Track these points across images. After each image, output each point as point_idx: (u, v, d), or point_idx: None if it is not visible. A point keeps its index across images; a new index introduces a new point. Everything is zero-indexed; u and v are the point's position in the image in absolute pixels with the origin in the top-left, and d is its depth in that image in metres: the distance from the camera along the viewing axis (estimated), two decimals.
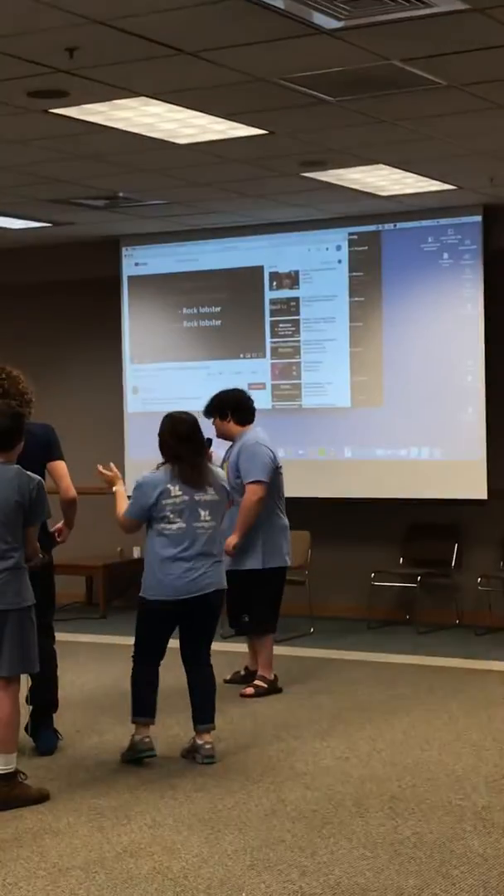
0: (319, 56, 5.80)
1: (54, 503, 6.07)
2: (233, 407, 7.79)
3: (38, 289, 11.78)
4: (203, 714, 6.38)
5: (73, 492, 6.54)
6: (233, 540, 7.58)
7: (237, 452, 7.71)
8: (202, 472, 6.27)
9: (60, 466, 6.50)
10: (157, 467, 6.29)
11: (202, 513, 6.24)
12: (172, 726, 6.91)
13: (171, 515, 6.18)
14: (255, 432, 7.83)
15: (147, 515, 6.23)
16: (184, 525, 6.20)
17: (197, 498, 6.23)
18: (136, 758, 6.29)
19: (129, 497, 6.44)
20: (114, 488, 6.54)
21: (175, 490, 6.18)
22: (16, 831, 5.33)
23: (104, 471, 6.60)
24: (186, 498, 6.19)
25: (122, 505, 6.42)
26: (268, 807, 5.61)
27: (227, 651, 8.77)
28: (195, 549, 6.22)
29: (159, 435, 6.30)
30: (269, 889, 4.65)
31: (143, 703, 6.36)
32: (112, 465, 6.70)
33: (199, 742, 6.33)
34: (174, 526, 6.19)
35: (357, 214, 10.12)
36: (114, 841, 5.20)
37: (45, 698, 6.51)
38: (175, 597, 6.21)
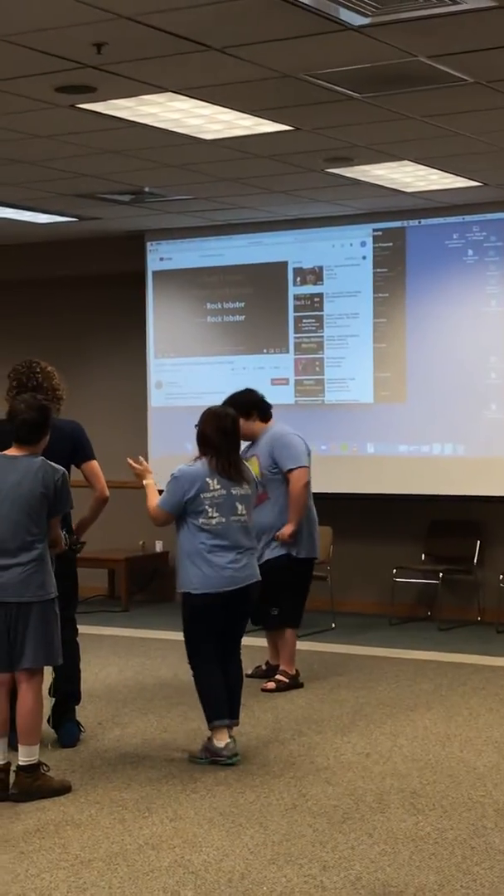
0: (346, 52, 5.80)
1: (77, 498, 6.09)
2: (255, 405, 7.83)
3: (63, 283, 11.82)
4: (232, 710, 6.33)
5: (107, 492, 6.59)
6: (289, 528, 7.68)
7: (269, 446, 7.75)
8: (239, 467, 6.31)
9: (94, 466, 6.56)
10: (195, 460, 6.27)
11: (239, 506, 6.26)
12: (194, 719, 6.93)
13: (210, 510, 6.18)
14: (281, 425, 7.90)
15: (182, 509, 6.22)
16: (223, 519, 6.20)
17: (234, 492, 6.24)
18: (220, 763, 6.16)
19: (160, 491, 6.45)
20: (144, 481, 6.53)
21: (213, 484, 6.19)
22: (38, 822, 5.37)
23: (134, 464, 6.60)
24: (224, 492, 6.21)
25: (154, 498, 6.39)
26: (289, 801, 5.63)
27: (249, 645, 8.78)
28: (234, 542, 6.23)
29: (200, 429, 6.28)
30: (289, 883, 4.67)
31: (221, 705, 6.25)
32: (141, 458, 6.70)
33: (220, 745, 6.23)
34: (213, 520, 6.19)
35: (382, 210, 10.11)
36: (135, 833, 5.23)
37: (67, 690, 6.55)
38: (221, 589, 6.19)
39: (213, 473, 6.21)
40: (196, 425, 6.35)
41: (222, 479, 6.21)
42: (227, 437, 6.28)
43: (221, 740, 6.20)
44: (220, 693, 6.26)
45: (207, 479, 6.19)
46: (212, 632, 6.28)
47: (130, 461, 6.62)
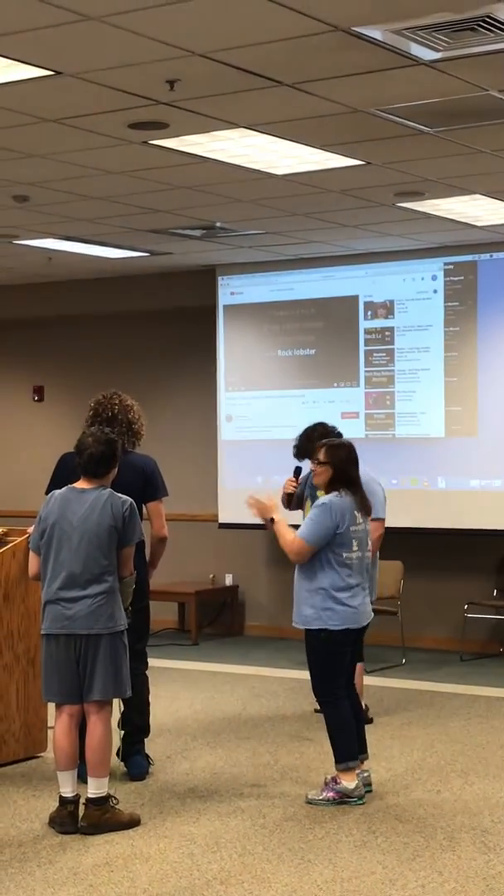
0: (417, 87, 5.81)
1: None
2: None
3: (135, 317, 11.92)
4: (359, 744, 6.23)
5: (165, 531, 6.59)
6: None
7: None
8: (368, 501, 6.25)
9: (158, 507, 6.58)
10: (339, 494, 6.09)
11: (368, 542, 6.24)
12: (263, 754, 6.90)
13: (354, 544, 6.09)
14: (363, 467, 7.78)
15: (326, 542, 6.07)
16: (360, 554, 6.13)
17: (367, 528, 6.22)
18: (350, 804, 6.03)
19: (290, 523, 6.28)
20: (275, 517, 6.21)
21: (359, 518, 6.12)
22: (107, 856, 5.37)
23: (256, 501, 6.28)
24: (362, 527, 6.15)
25: (288, 532, 6.12)
26: (358, 838, 5.58)
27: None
28: (363, 577, 6.19)
29: (338, 462, 6.12)
30: None
31: (354, 745, 6.14)
32: (256, 496, 6.35)
33: (350, 786, 6.09)
34: (354, 555, 6.10)
35: (453, 244, 10.09)
36: (204, 868, 5.21)
37: (137, 723, 6.55)
38: (357, 625, 6.14)
39: (357, 507, 6.11)
40: (317, 461, 6.13)
41: (361, 513, 6.14)
42: (357, 470, 6.21)
43: (352, 781, 6.08)
44: (353, 734, 6.15)
45: (355, 513, 6.10)
46: (345, 668, 6.20)
47: (251, 499, 6.31)
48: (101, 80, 5.63)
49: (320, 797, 6.08)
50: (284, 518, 6.30)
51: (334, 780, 6.11)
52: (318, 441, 7.49)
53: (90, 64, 5.42)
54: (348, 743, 6.11)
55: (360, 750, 6.23)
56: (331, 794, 6.07)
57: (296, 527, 6.20)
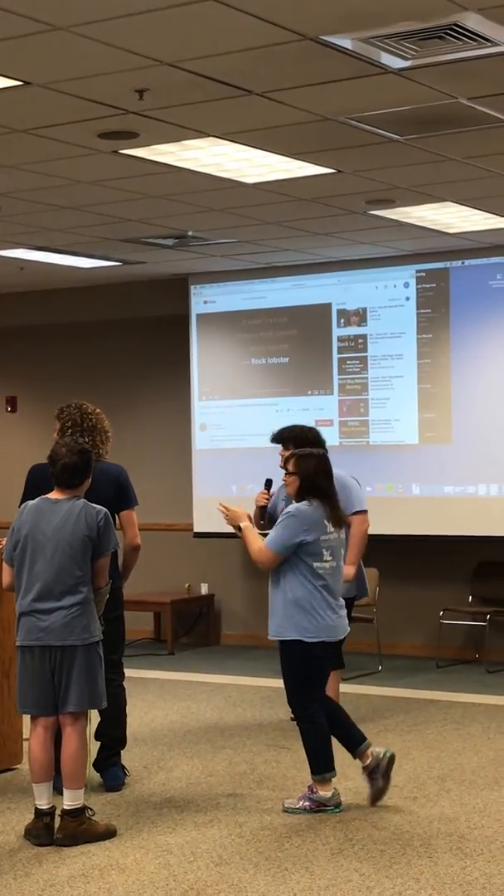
0: (387, 95, 5.83)
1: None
2: (311, 443, 7.76)
3: (107, 327, 11.91)
4: (356, 736, 6.22)
5: (138, 540, 6.58)
6: (351, 570, 7.50)
7: None
8: (342, 511, 6.22)
9: (130, 516, 6.56)
10: (309, 503, 6.06)
11: (342, 552, 6.19)
12: (239, 763, 6.89)
13: (326, 553, 6.05)
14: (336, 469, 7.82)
15: (292, 551, 6.01)
16: (334, 564, 6.09)
17: (341, 537, 6.17)
18: (326, 812, 6.04)
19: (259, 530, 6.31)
20: (241, 524, 6.25)
21: (329, 527, 6.07)
22: (83, 867, 5.35)
23: (225, 509, 6.33)
24: (335, 536, 6.10)
25: (256, 540, 6.13)
26: (335, 846, 5.58)
27: None
28: (338, 588, 6.15)
29: (305, 473, 6.09)
30: None
31: (330, 758, 6.10)
32: (224, 504, 6.41)
33: (370, 757, 6.16)
34: (327, 565, 6.05)
35: (425, 252, 10.13)
36: (180, 878, 5.19)
37: (113, 735, 6.54)
38: (334, 637, 6.11)
39: (328, 517, 6.08)
40: (292, 472, 6.13)
41: (333, 524, 6.09)
42: (331, 481, 6.18)
43: (328, 791, 6.08)
44: (329, 745, 6.12)
45: (326, 522, 6.06)
46: (323, 679, 6.16)
47: (222, 506, 6.36)
48: (71, 90, 5.63)
49: (297, 806, 6.08)
50: (251, 525, 6.30)
51: (311, 789, 6.11)
52: (288, 438, 7.55)
53: (59, 74, 5.41)
54: (325, 755, 6.09)
55: (360, 740, 6.20)
56: (307, 804, 6.07)
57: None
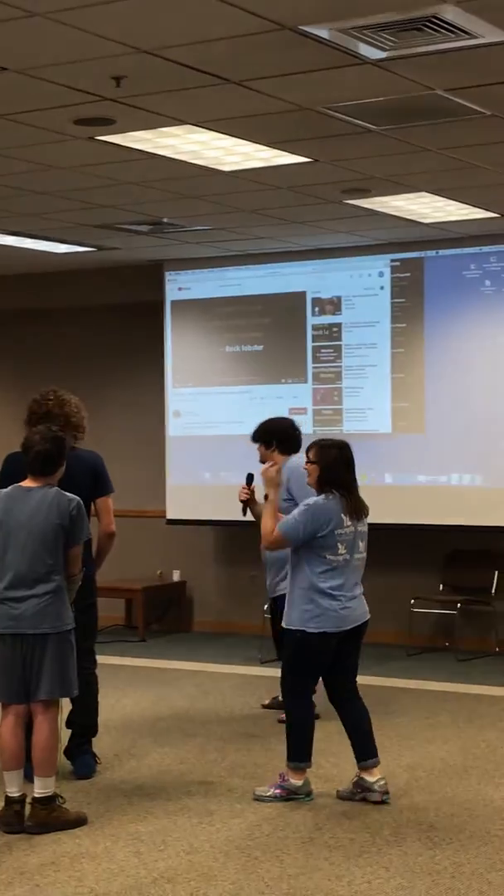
0: (364, 86, 5.82)
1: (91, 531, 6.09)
2: (279, 437, 7.78)
3: (81, 312, 11.87)
4: (369, 750, 6.14)
5: (113, 527, 6.56)
6: None
7: (287, 479, 7.65)
8: (362, 503, 6.14)
9: (106, 503, 6.53)
10: (327, 496, 6.02)
11: (360, 544, 6.10)
12: (210, 751, 6.90)
13: (340, 546, 5.99)
14: (296, 459, 7.81)
15: (308, 542, 6.01)
16: (348, 557, 6.01)
17: (359, 529, 6.09)
18: (296, 800, 6.04)
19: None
20: (270, 494, 6.17)
21: (346, 521, 6.00)
22: (53, 855, 5.35)
23: (269, 470, 6.24)
24: (352, 529, 6.03)
25: (270, 519, 6.06)
26: (305, 835, 5.60)
27: (267, 676, 8.78)
28: (353, 580, 6.08)
29: (326, 463, 6.03)
30: None
31: (309, 748, 6.09)
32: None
33: (371, 780, 6.07)
34: (340, 557, 5.99)
35: (400, 241, 10.13)
36: (150, 866, 5.20)
37: (84, 723, 6.54)
38: (339, 628, 6.03)
39: (345, 510, 6.01)
40: (313, 461, 6.05)
41: (350, 516, 6.02)
42: (352, 472, 6.13)
43: (300, 780, 6.07)
44: (310, 736, 6.10)
45: (343, 515, 5.99)
46: (318, 671, 6.13)
47: (268, 469, 6.27)
48: (47, 76, 5.60)
49: (268, 793, 6.09)
50: (275, 501, 6.21)
51: (282, 776, 6.13)
52: (272, 434, 7.56)
53: (36, 60, 5.38)
54: (303, 743, 6.07)
55: (370, 755, 6.14)
56: (277, 791, 6.08)
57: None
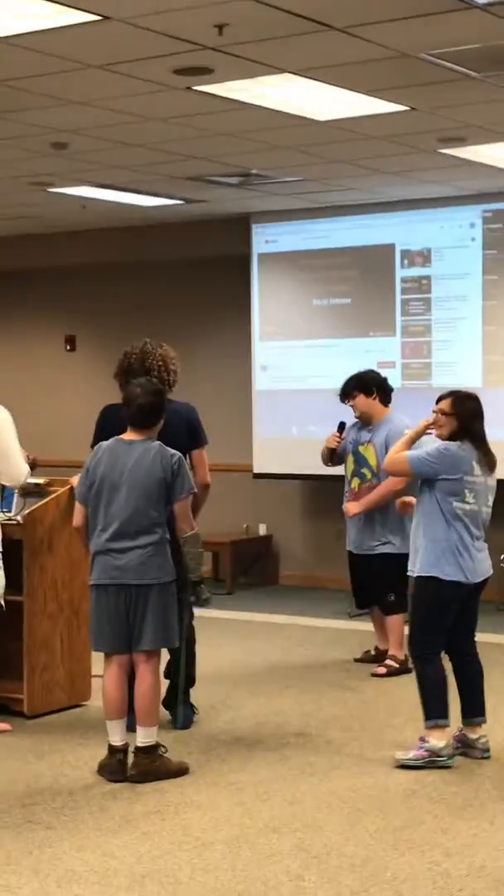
0: (467, 31, 5.71)
1: None
2: (378, 385, 7.75)
3: (168, 266, 11.85)
4: (477, 708, 6.07)
5: (209, 478, 6.55)
6: (355, 507, 7.61)
7: (386, 436, 7.60)
8: (493, 455, 6.04)
9: (201, 455, 6.51)
10: (461, 444, 5.90)
11: (490, 497, 6.03)
12: (306, 703, 6.90)
13: (468, 495, 5.91)
14: (400, 416, 7.74)
15: (432, 482, 5.90)
16: (476, 507, 5.94)
17: (490, 483, 6.01)
18: (438, 765, 5.86)
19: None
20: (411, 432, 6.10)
21: (477, 470, 5.93)
22: (158, 804, 5.39)
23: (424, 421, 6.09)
24: (482, 479, 5.95)
25: (403, 447, 6.01)
26: (407, 788, 5.59)
27: (357, 630, 8.77)
28: (481, 532, 6.02)
29: (464, 414, 5.93)
30: (413, 870, 4.64)
31: (444, 703, 5.93)
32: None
33: (473, 736, 6.04)
34: (467, 507, 5.91)
35: (492, 191, 9.98)
36: (255, 816, 5.23)
37: (184, 673, 6.56)
38: (471, 580, 5.95)
39: (478, 460, 5.93)
40: (449, 413, 5.92)
41: (483, 467, 5.94)
42: (483, 424, 6.02)
43: (441, 740, 5.91)
44: (444, 692, 5.98)
45: (474, 463, 5.91)
46: (447, 625, 6.01)
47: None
48: (150, 25, 5.56)
49: (409, 757, 5.91)
50: (414, 436, 6.08)
51: (423, 739, 5.97)
52: (365, 384, 7.51)
53: (139, 8, 5.34)
54: (438, 702, 5.94)
55: (477, 713, 6.08)
56: (421, 753, 5.91)
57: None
